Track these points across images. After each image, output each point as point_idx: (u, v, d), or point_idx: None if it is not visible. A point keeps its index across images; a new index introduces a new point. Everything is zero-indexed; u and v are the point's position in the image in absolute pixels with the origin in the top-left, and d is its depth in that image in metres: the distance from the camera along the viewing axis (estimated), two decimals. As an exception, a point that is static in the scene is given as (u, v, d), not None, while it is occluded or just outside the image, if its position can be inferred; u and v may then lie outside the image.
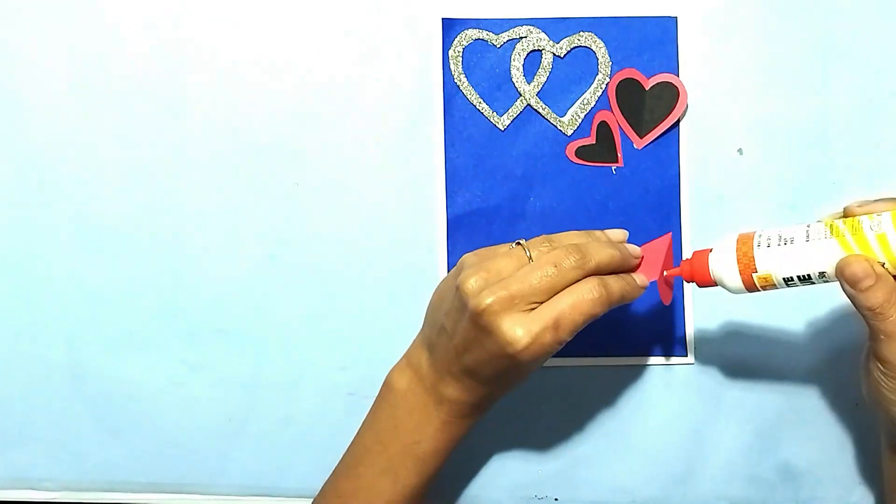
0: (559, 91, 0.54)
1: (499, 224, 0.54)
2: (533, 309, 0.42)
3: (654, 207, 0.54)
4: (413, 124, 0.54)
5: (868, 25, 0.54)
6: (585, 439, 0.54)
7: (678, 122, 0.53)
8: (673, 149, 0.54)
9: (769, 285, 0.43)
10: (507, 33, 0.54)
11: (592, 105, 0.54)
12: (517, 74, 0.54)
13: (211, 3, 0.54)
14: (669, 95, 0.53)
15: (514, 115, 0.54)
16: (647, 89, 0.53)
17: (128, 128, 0.54)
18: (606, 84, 0.54)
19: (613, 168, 0.54)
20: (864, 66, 0.54)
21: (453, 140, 0.54)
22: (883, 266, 0.41)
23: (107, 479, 0.55)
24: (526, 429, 0.55)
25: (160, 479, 0.55)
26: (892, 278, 0.41)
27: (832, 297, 0.53)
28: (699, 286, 0.46)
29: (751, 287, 0.44)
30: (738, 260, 0.44)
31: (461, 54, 0.54)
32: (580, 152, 0.54)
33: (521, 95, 0.54)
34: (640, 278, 0.45)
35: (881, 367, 0.43)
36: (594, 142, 0.54)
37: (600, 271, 0.43)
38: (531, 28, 0.54)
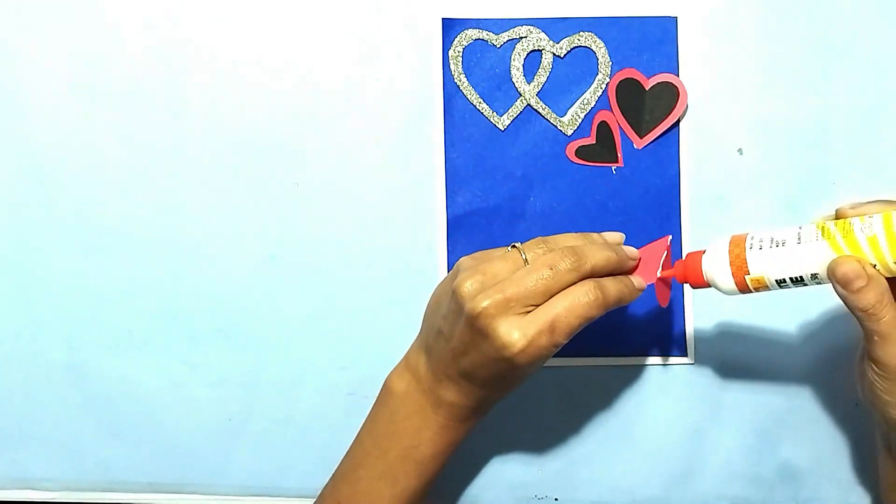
0: (559, 91, 0.54)
1: (499, 224, 0.54)
2: (529, 312, 0.42)
3: (654, 207, 0.54)
4: (413, 124, 0.54)
5: (868, 25, 0.54)
6: (585, 439, 0.54)
7: (678, 122, 0.53)
8: (673, 149, 0.54)
9: (762, 287, 0.43)
10: (507, 33, 0.54)
11: (592, 105, 0.54)
12: (517, 74, 0.54)
13: (211, 3, 0.54)
14: (669, 95, 0.53)
15: (514, 115, 0.54)
16: (647, 89, 0.53)
17: (128, 128, 0.54)
18: (606, 84, 0.54)
19: (613, 168, 0.54)
20: (864, 66, 0.54)
21: (453, 140, 0.54)
22: (874, 268, 0.41)
23: (107, 479, 0.55)
24: (526, 429, 0.55)
25: (160, 479, 0.55)
26: (883, 279, 0.41)
27: (831, 298, 0.53)
28: (692, 287, 0.46)
29: (743, 289, 0.44)
30: (730, 262, 0.44)
31: (461, 54, 0.54)
32: (580, 152, 0.54)
33: (521, 95, 0.54)
34: (637, 280, 0.45)
35: (875, 369, 0.42)
36: (594, 142, 0.54)
37: (596, 273, 0.43)
38: (531, 28, 0.54)
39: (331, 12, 0.54)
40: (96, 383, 0.55)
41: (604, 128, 0.54)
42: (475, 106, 0.54)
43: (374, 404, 0.49)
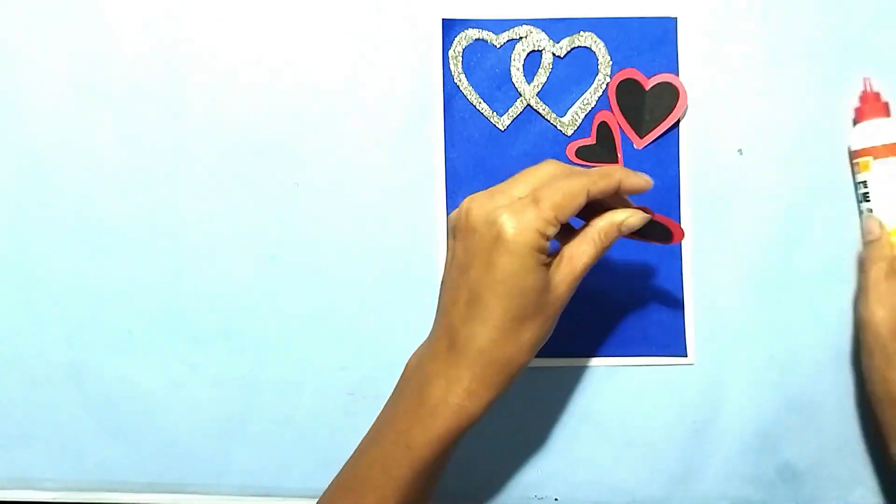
0: (559, 91, 0.54)
1: (499, 224, 0.54)
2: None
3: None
4: (413, 124, 0.54)
5: (868, 25, 0.54)
6: (585, 439, 0.54)
7: (678, 122, 0.53)
8: (673, 149, 0.54)
9: None
10: (507, 33, 0.54)
11: (592, 105, 0.54)
12: (517, 74, 0.54)
13: (211, 3, 0.54)
14: (669, 95, 0.53)
15: (514, 115, 0.54)
16: (647, 89, 0.53)
17: (128, 128, 0.54)
18: (606, 84, 0.54)
19: (613, 168, 0.54)
20: (864, 65, 0.54)
21: (453, 140, 0.54)
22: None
23: (107, 479, 0.55)
24: (526, 429, 0.55)
25: (160, 479, 0.55)
26: (888, 247, 0.50)
27: (833, 298, 0.53)
28: None
29: None
30: None
31: (461, 54, 0.54)
32: (580, 152, 0.54)
33: (521, 95, 0.54)
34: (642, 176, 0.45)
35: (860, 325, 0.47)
36: (594, 142, 0.54)
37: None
38: (531, 28, 0.54)
39: (331, 12, 0.54)
40: (96, 383, 0.55)
41: (604, 128, 0.54)
42: (475, 106, 0.54)
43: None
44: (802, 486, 0.54)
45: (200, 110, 0.54)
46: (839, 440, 0.54)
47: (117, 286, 0.54)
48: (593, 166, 0.54)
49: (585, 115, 0.54)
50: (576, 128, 0.54)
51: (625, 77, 0.53)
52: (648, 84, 0.53)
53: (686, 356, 0.54)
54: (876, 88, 0.52)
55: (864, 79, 0.52)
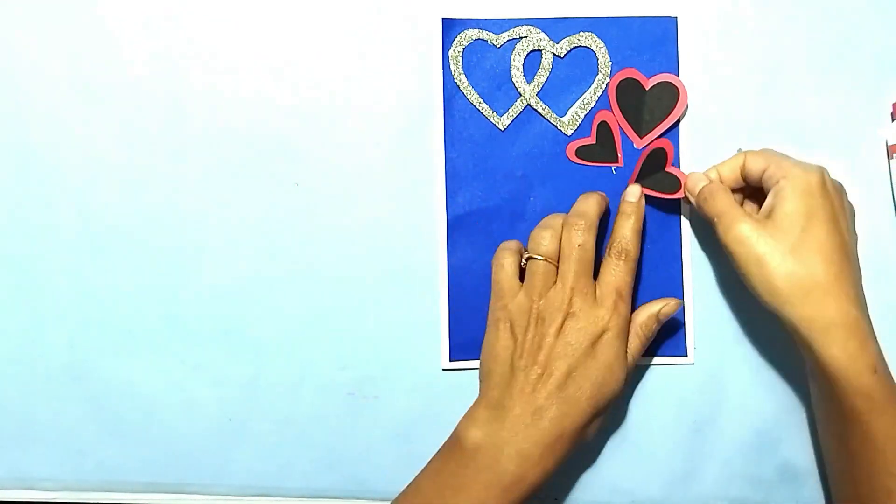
0: (559, 91, 0.54)
1: (499, 224, 0.54)
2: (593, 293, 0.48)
3: (654, 208, 0.54)
4: (413, 124, 0.54)
5: (868, 25, 0.54)
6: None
7: (678, 122, 0.53)
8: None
9: None
10: (507, 33, 0.54)
11: (592, 105, 0.54)
12: (517, 74, 0.54)
13: (211, 3, 0.54)
14: (669, 95, 0.53)
15: (514, 115, 0.54)
16: (647, 89, 0.53)
17: (128, 128, 0.54)
18: (606, 84, 0.54)
19: (613, 168, 0.54)
20: (864, 65, 0.54)
21: (453, 140, 0.54)
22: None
23: (107, 479, 0.55)
24: (526, 429, 0.55)
25: (160, 479, 0.55)
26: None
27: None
28: None
29: None
30: None
31: (461, 54, 0.54)
32: (580, 152, 0.54)
33: (521, 95, 0.54)
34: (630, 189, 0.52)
35: (731, 258, 0.48)
36: (594, 142, 0.54)
37: (601, 211, 0.50)
38: (531, 28, 0.54)
39: (331, 12, 0.54)
40: (96, 383, 0.55)
41: (604, 128, 0.54)
42: (475, 106, 0.54)
43: (441, 451, 0.49)
44: (802, 486, 0.54)
45: (200, 110, 0.54)
46: (839, 440, 0.54)
47: (118, 286, 0.54)
48: (593, 166, 0.54)
49: (585, 115, 0.54)
50: (576, 128, 0.54)
51: (625, 77, 0.53)
52: (648, 84, 0.53)
53: (686, 356, 0.54)
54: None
55: None
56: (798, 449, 0.54)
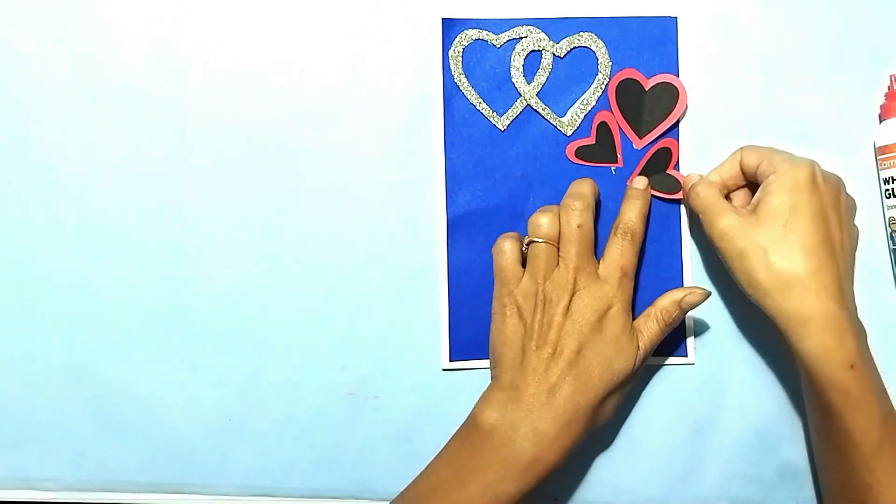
0: (559, 91, 0.54)
1: (499, 224, 0.54)
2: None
3: (654, 208, 0.54)
4: (413, 124, 0.54)
5: (868, 25, 0.54)
6: (586, 440, 0.54)
7: (678, 122, 0.53)
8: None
9: None
10: (507, 33, 0.54)
11: (592, 105, 0.54)
12: (517, 74, 0.54)
13: (211, 3, 0.54)
14: (669, 95, 0.53)
15: (514, 116, 0.54)
16: (647, 89, 0.53)
17: (128, 128, 0.54)
18: (606, 84, 0.54)
19: (613, 168, 0.54)
20: (864, 65, 0.54)
21: (453, 140, 0.54)
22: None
23: (107, 479, 0.55)
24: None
25: (160, 479, 0.55)
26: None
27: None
28: None
29: None
30: None
31: (461, 54, 0.54)
32: (580, 152, 0.54)
33: (520, 95, 0.54)
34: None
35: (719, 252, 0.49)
36: (594, 142, 0.54)
37: (595, 193, 0.51)
38: (531, 28, 0.54)
39: (331, 12, 0.54)
40: (96, 383, 0.55)
41: (603, 128, 0.54)
42: (475, 106, 0.54)
43: (457, 434, 0.49)
44: (802, 486, 0.54)
45: (200, 111, 0.54)
46: (839, 440, 0.54)
47: (117, 286, 0.54)
48: (593, 167, 0.54)
49: (585, 115, 0.54)
50: (575, 128, 0.54)
51: (625, 77, 0.53)
52: (648, 84, 0.53)
53: (686, 356, 0.54)
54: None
55: (892, 76, 0.53)
56: (798, 449, 0.54)
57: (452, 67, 0.54)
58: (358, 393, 0.54)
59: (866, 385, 0.45)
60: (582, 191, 0.50)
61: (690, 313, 0.54)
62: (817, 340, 0.45)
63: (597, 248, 0.51)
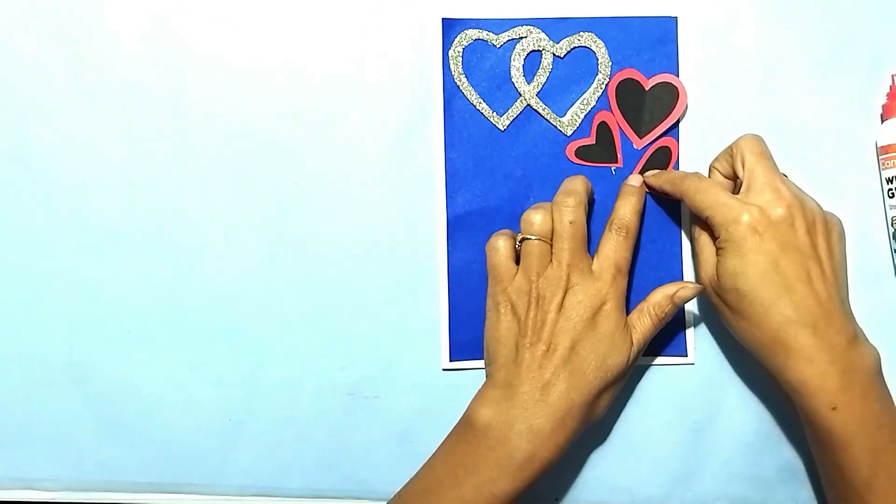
0: (559, 91, 0.54)
1: (499, 224, 0.54)
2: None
3: (654, 208, 0.54)
4: (413, 124, 0.54)
5: (868, 25, 0.54)
6: (585, 439, 0.54)
7: (678, 122, 0.53)
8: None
9: None
10: (507, 33, 0.54)
11: (592, 105, 0.54)
12: (517, 74, 0.54)
13: (211, 3, 0.54)
14: (669, 95, 0.53)
15: (514, 116, 0.54)
16: (647, 89, 0.53)
17: (128, 127, 0.54)
18: (606, 84, 0.54)
19: (613, 168, 0.54)
20: (864, 65, 0.54)
21: (453, 140, 0.54)
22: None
23: (107, 479, 0.55)
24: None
25: (160, 479, 0.55)
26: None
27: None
28: None
29: None
30: None
31: (461, 54, 0.54)
32: (580, 152, 0.54)
33: (521, 95, 0.54)
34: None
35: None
36: (594, 142, 0.54)
37: (589, 190, 0.51)
38: (531, 28, 0.54)
39: (331, 12, 0.54)
40: (96, 383, 0.55)
41: (604, 128, 0.54)
42: (475, 106, 0.54)
43: (452, 433, 0.49)
44: (802, 486, 0.54)
45: (200, 110, 0.54)
46: (839, 440, 0.54)
47: (117, 286, 0.54)
48: (593, 166, 0.54)
49: (585, 115, 0.54)
50: (575, 128, 0.54)
51: (625, 77, 0.53)
52: (648, 84, 0.53)
53: (686, 356, 0.54)
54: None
55: (893, 75, 0.53)
56: (798, 449, 0.54)
57: (452, 67, 0.54)
58: (358, 393, 0.54)
59: (852, 425, 0.44)
60: (574, 187, 0.50)
61: (691, 313, 0.54)
62: (797, 375, 0.45)
63: (591, 245, 0.51)
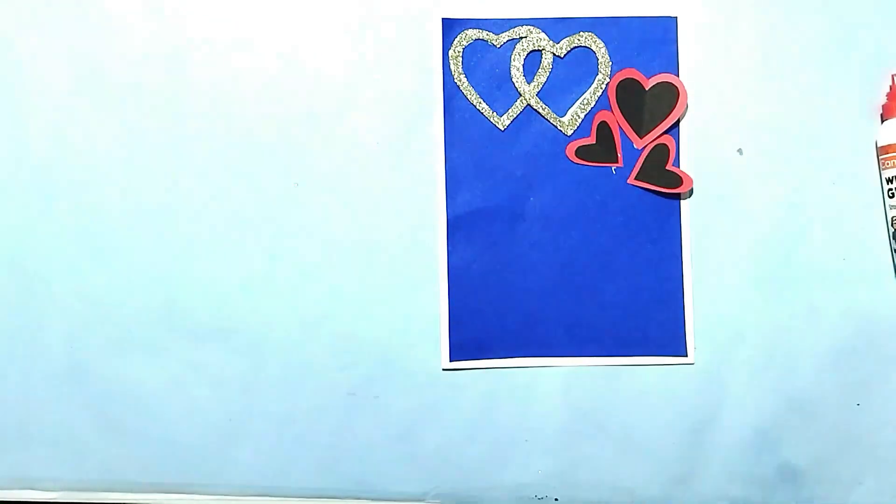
0: (559, 91, 0.54)
1: (499, 224, 0.54)
2: None
3: (654, 207, 0.54)
4: (413, 124, 0.54)
5: (868, 24, 0.54)
6: (585, 439, 0.54)
7: (678, 122, 0.53)
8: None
9: None
10: (507, 33, 0.54)
11: (592, 105, 0.54)
12: (517, 74, 0.54)
13: (211, 3, 0.54)
14: (669, 95, 0.53)
15: (514, 115, 0.54)
16: (647, 89, 0.53)
17: (127, 127, 0.54)
18: (606, 84, 0.54)
19: (613, 168, 0.54)
20: (864, 65, 0.54)
21: (453, 140, 0.54)
22: None
23: (107, 479, 0.55)
24: (526, 429, 0.55)
25: (160, 479, 0.55)
26: None
27: (833, 298, 0.53)
28: None
29: None
30: None
31: (461, 54, 0.54)
32: (580, 152, 0.54)
33: (521, 95, 0.54)
34: None
35: None
36: (594, 142, 0.54)
37: None
38: (531, 28, 0.54)
39: (331, 12, 0.54)
40: (96, 383, 0.55)
41: (604, 128, 0.54)
42: (475, 106, 0.54)
43: None
44: (802, 486, 0.54)
45: (200, 110, 0.54)
46: (839, 440, 0.54)
47: (117, 286, 0.54)
48: (593, 166, 0.54)
49: (585, 115, 0.54)
50: (576, 128, 0.54)
51: (625, 77, 0.53)
52: (648, 84, 0.53)
53: (686, 356, 0.54)
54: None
55: (893, 75, 0.53)
56: (798, 449, 0.54)
57: (452, 67, 0.54)
58: (358, 393, 0.54)
59: None
60: None
61: (690, 313, 0.54)
62: None
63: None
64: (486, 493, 0.55)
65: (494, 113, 0.54)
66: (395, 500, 0.54)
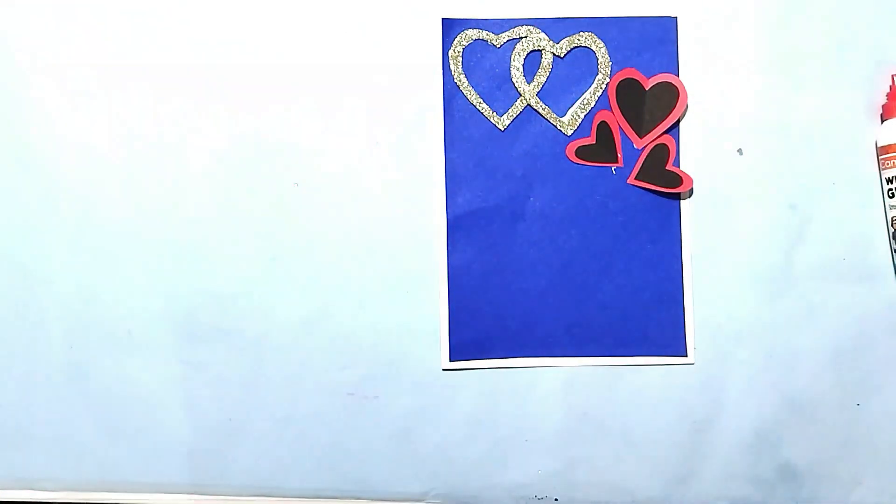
0: (559, 91, 0.54)
1: (499, 224, 0.54)
2: None
3: (654, 207, 0.54)
4: (413, 124, 0.54)
5: (868, 24, 0.54)
6: (585, 439, 0.54)
7: (678, 122, 0.53)
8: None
9: None
10: (507, 33, 0.54)
11: (592, 105, 0.54)
12: (517, 74, 0.54)
13: (212, 3, 0.54)
14: (669, 95, 0.53)
15: (514, 115, 0.54)
16: (647, 89, 0.53)
17: (128, 128, 0.54)
18: (606, 84, 0.54)
19: (613, 168, 0.54)
20: (864, 65, 0.54)
21: (453, 140, 0.54)
22: None
23: (107, 479, 0.55)
24: (526, 429, 0.55)
25: (160, 479, 0.55)
26: None
27: (833, 298, 0.53)
28: None
29: None
30: None
31: (461, 54, 0.54)
32: (580, 152, 0.54)
33: (521, 95, 0.54)
34: None
35: None
36: (594, 142, 0.54)
37: None
38: (531, 28, 0.54)
39: (330, 12, 0.54)
40: (96, 383, 0.55)
41: (604, 128, 0.54)
42: (475, 106, 0.54)
43: None
44: (802, 486, 0.54)
45: (200, 110, 0.54)
46: (839, 440, 0.54)
47: (117, 286, 0.54)
48: (593, 166, 0.54)
49: (585, 115, 0.54)
50: (576, 128, 0.54)
51: (625, 77, 0.53)
52: (648, 84, 0.53)
53: (686, 356, 0.54)
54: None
55: (893, 75, 0.53)
56: (798, 449, 0.54)
57: (452, 67, 0.54)
58: (358, 393, 0.54)
59: None
60: None
61: (690, 313, 0.54)
62: None
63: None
64: (486, 493, 0.55)
65: (494, 113, 0.54)
66: (395, 500, 0.54)
